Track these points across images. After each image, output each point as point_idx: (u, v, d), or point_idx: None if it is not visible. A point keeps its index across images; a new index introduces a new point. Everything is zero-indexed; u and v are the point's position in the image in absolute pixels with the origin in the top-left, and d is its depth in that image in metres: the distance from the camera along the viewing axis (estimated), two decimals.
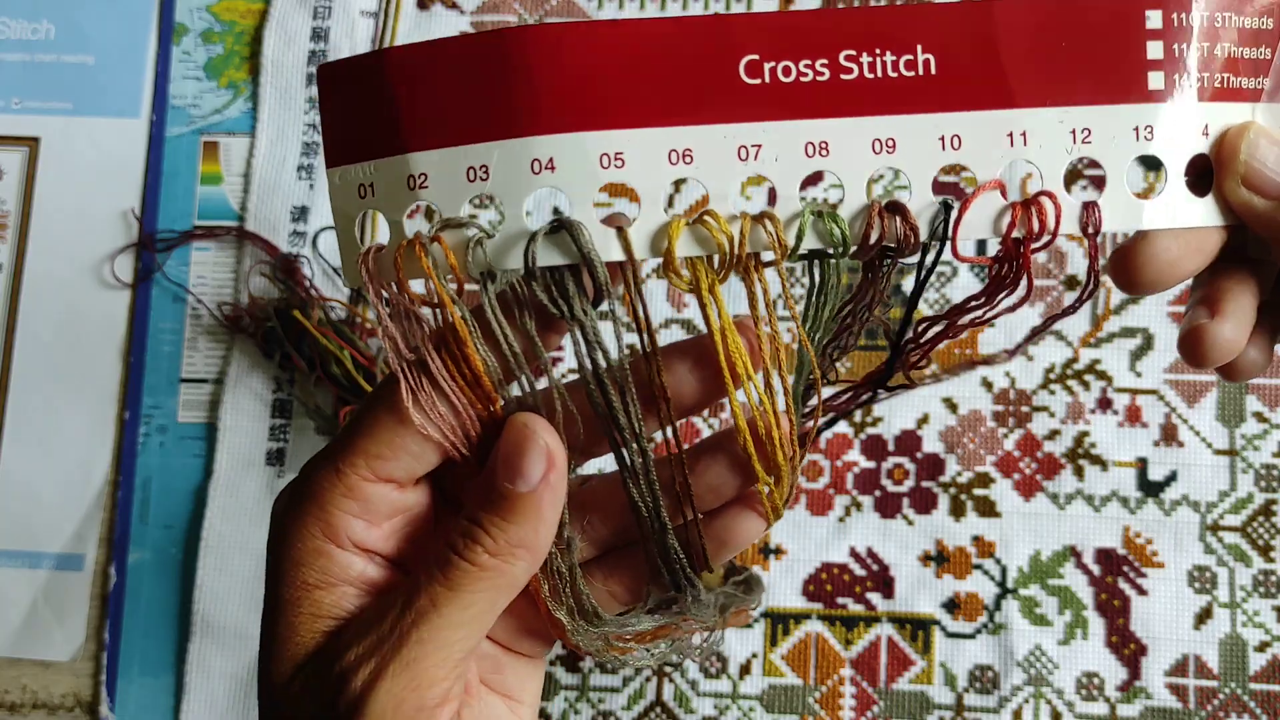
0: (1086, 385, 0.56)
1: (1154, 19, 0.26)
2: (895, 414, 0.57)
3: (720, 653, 0.55)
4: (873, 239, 0.26)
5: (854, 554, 0.56)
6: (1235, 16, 0.27)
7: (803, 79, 0.25)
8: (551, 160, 0.25)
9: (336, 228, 0.28)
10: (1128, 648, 0.54)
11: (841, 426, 0.57)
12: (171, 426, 0.60)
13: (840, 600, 0.55)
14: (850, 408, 0.33)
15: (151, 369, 0.61)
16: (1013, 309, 0.28)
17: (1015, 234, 0.27)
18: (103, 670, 0.58)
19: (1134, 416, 0.56)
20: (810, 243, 0.26)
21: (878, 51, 0.25)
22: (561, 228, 0.25)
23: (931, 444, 0.56)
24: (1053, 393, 0.56)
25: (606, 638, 0.30)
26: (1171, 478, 0.55)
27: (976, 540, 0.55)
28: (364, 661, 0.26)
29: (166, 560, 0.59)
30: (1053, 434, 0.56)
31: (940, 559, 0.55)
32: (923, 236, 0.26)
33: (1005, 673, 0.54)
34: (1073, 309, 0.29)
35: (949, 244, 0.26)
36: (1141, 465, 0.55)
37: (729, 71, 0.25)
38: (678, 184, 0.27)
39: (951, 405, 0.57)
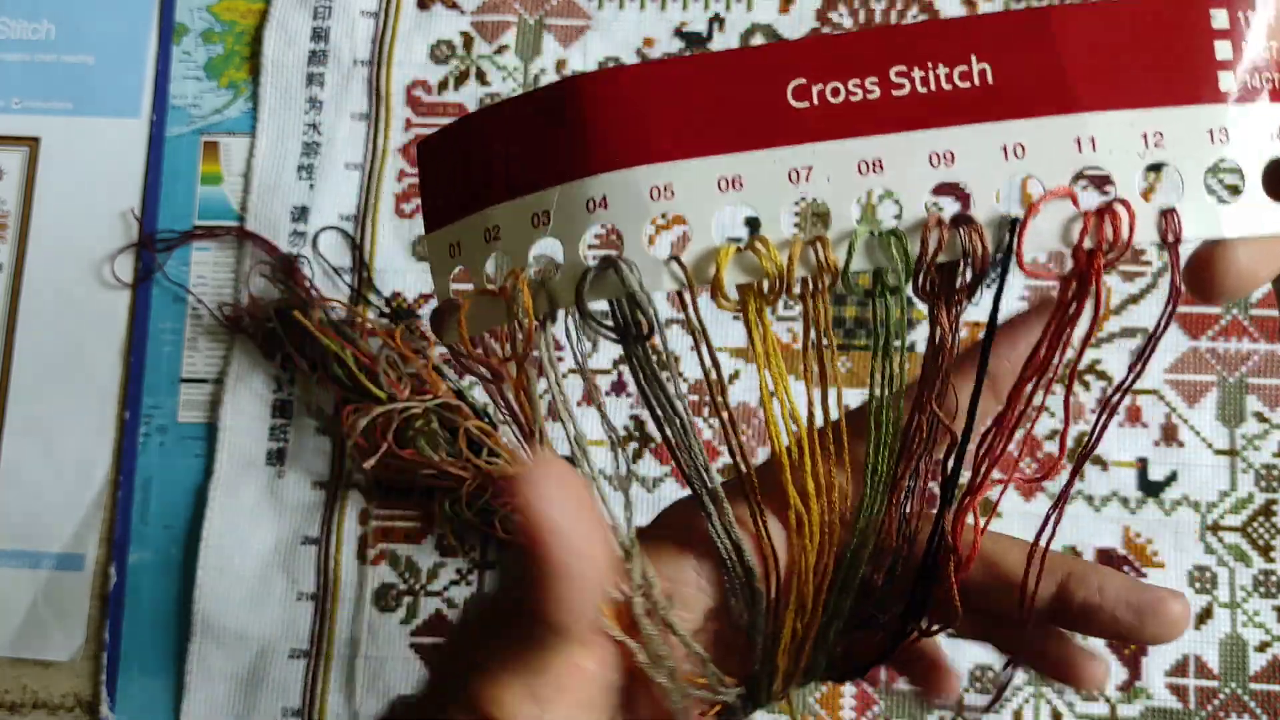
0: (1087, 385, 0.56)
1: (1220, 18, 0.25)
2: None
3: None
4: (930, 250, 0.25)
5: None
6: None
7: (852, 98, 0.25)
8: (605, 198, 0.25)
9: (434, 281, 0.29)
10: (1128, 648, 0.54)
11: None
12: (172, 426, 0.60)
13: None
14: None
15: (152, 369, 0.61)
16: (1086, 339, 0.28)
17: (1086, 245, 0.25)
18: (103, 670, 0.58)
19: (1134, 416, 0.56)
20: (864, 263, 0.26)
21: (929, 65, 0.25)
22: (609, 266, 0.26)
23: None
24: (1053, 393, 0.56)
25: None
26: (1172, 478, 0.55)
27: None
28: None
29: (167, 560, 0.59)
30: (1053, 434, 0.56)
31: None
32: (990, 245, 0.25)
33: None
34: (1159, 332, 0.28)
35: (1014, 257, 0.25)
36: (1142, 465, 0.55)
37: (776, 97, 0.25)
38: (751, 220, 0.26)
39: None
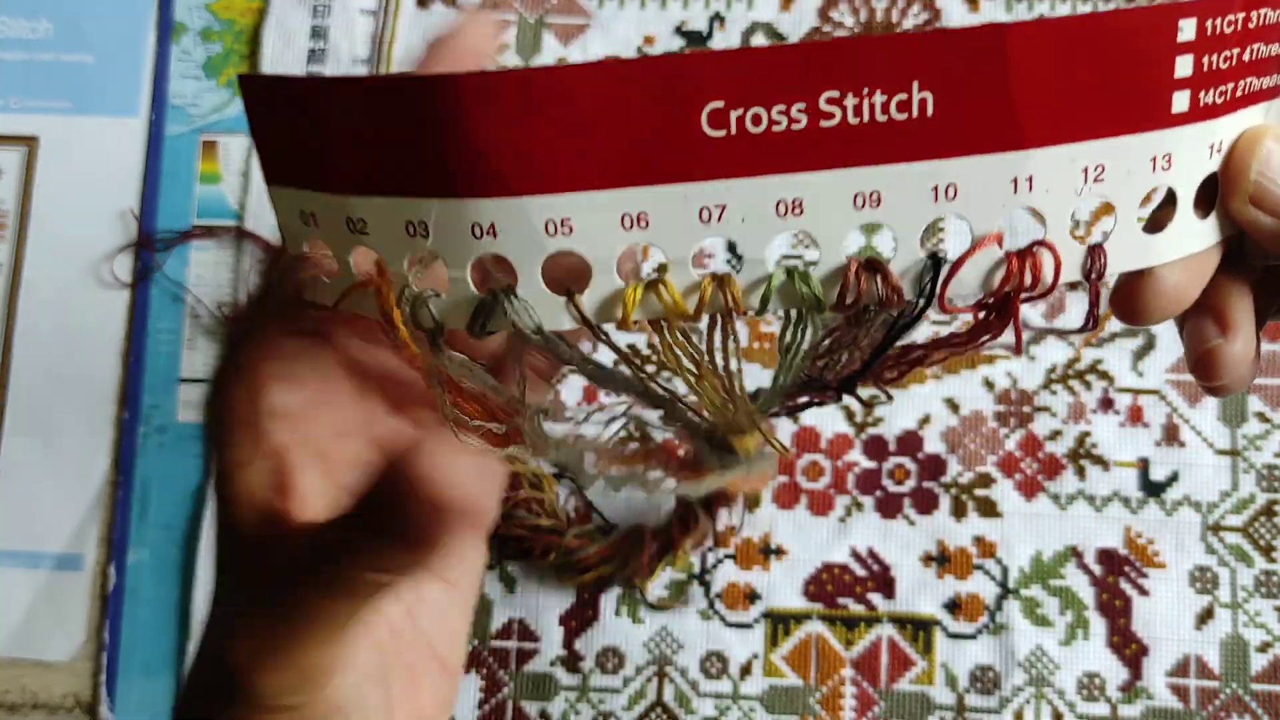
0: (1088, 385, 0.56)
1: (1187, 29, 0.23)
2: (896, 414, 0.57)
3: (720, 652, 0.55)
4: (849, 301, 0.24)
5: (855, 554, 0.56)
6: (1272, 11, 0.24)
7: (775, 127, 0.22)
8: (493, 226, 0.23)
9: (284, 239, 0.27)
10: (1129, 648, 0.54)
11: (842, 426, 0.57)
12: (171, 426, 0.60)
13: (841, 601, 0.55)
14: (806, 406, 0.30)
15: (150, 369, 0.61)
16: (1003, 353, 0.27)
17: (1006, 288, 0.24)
18: (102, 670, 0.58)
19: (1136, 416, 0.56)
20: (780, 306, 0.24)
21: (865, 91, 0.21)
22: (498, 303, 0.23)
23: (933, 444, 0.56)
24: (1054, 393, 0.56)
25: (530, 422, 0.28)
26: (1173, 478, 0.55)
27: (978, 541, 0.55)
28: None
29: (166, 560, 0.59)
30: (1054, 434, 0.56)
31: (941, 559, 0.55)
32: (908, 295, 0.24)
33: (1006, 673, 0.54)
34: (1075, 333, 0.28)
35: (935, 303, 0.24)
36: (1143, 465, 0.55)
37: (689, 123, 0.22)
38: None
39: (953, 406, 0.57)
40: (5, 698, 0.59)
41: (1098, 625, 0.54)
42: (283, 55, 0.63)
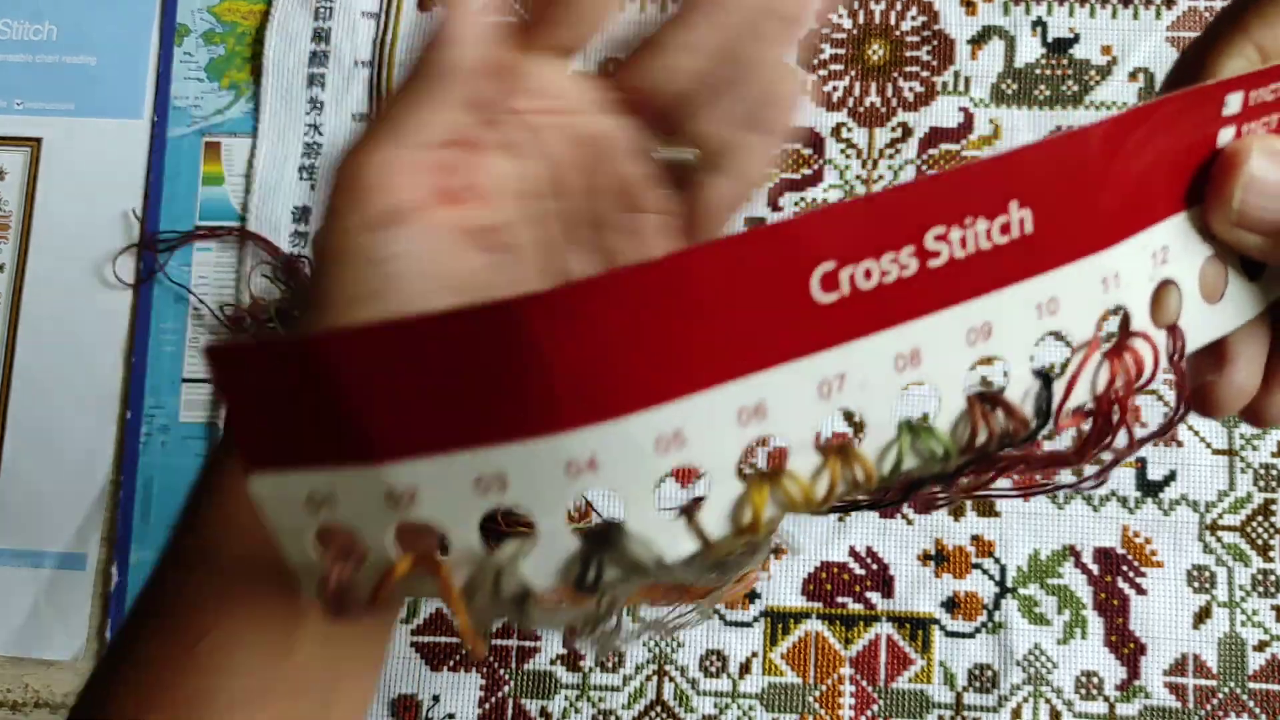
0: None
1: (1233, 103, 0.23)
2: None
3: (720, 651, 0.55)
4: (979, 442, 0.22)
5: (853, 553, 0.56)
6: None
7: (886, 279, 0.20)
8: (593, 459, 0.19)
9: (279, 540, 0.21)
10: (1126, 647, 0.54)
11: (841, 425, 0.57)
12: (173, 426, 0.60)
13: (840, 599, 0.55)
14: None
15: (153, 369, 0.61)
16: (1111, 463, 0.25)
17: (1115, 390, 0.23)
18: None
19: (1136, 417, 0.56)
20: (909, 464, 0.22)
21: (968, 221, 0.21)
22: (615, 543, 0.20)
23: None
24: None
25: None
26: (1170, 477, 0.55)
27: (976, 540, 0.55)
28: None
29: None
30: (1051, 433, 0.56)
31: (939, 558, 0.55)
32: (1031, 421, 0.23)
33: (1004, 672, 0.54)
34: (1163, 432, 0.27)
35: (1053, 422, 0.23)
36: (1140, 465, 0.56)
37: (800, 293, 0.20)
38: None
39: None
40: (8, 696, 0.59)
41: (1095, 624, 0.54)
42: (285, 57, 0.63)
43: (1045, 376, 0.23)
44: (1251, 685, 0.53)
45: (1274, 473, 0.55)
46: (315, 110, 0.63)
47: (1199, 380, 0.27)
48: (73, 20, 0.65)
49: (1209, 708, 0.53)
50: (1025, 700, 0.54)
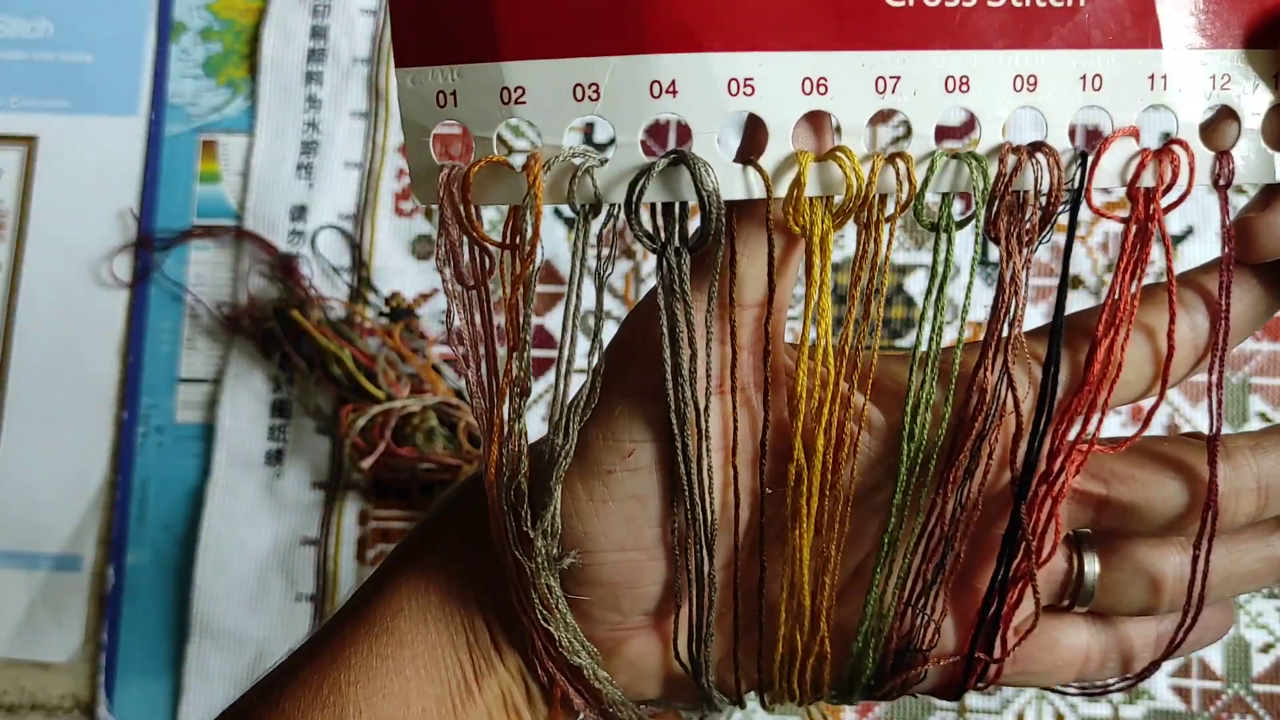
0: None
1: None
2: None
3: None
4: (1008, 172, 0.24)
5: None
6: None
7: (949, 2, 0.23)
8: (674, 83, 0.22)
9: (406, 138, 0.24)
10: None
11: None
12: (170, 427, 0.60)
13: None
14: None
15: (149, 369, 0.60)
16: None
17: (1144, 184, 0.24)
18: (101, 671, 0.58)
19: (1136, 416, 0.56)
20: (943, 185, 0.24)
21: None
22: (682, 162, 0.23)
23: None
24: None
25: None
26: None
27: None
28: None
29: (165, 561, 0.59)
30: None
31: None
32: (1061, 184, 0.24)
33: None
34: (1225, 285, 0.26)
35: (1084, 194, 0.24)
36: None
37: None
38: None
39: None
40: (4, 699, 0.59)
41: None
42: (283, 54, 0.63)
43: (1084, 153, 0.24)
44: (1256, 687, 0.53)
45: None
46: (313, 108, 0.62)
47: (1241, 216, 0.26)
48: (68, 17, 0.64)
49: (1214, 710, 0.53)
50: (1029, 703, 0.53)
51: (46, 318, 0.61)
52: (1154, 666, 0.30)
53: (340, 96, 0.62)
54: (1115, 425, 0.55)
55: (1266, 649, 0.53)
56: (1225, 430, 0.54)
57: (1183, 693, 0.53)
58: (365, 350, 0.57)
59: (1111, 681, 0.31)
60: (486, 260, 0.25)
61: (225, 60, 0.63)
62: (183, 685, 0.57)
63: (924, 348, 0.25)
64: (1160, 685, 0.53)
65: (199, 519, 0.58)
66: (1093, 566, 0.28)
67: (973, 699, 0.53)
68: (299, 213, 0.61)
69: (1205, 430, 0.27)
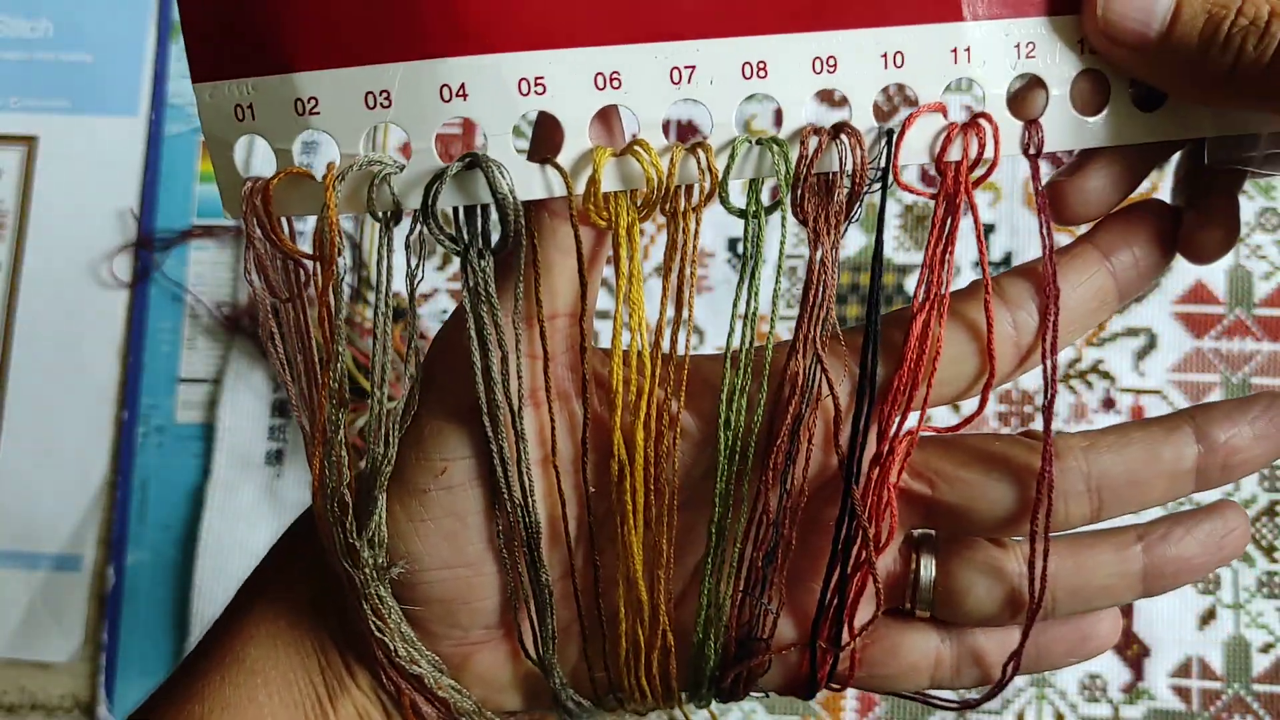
0: (1090, 385, 0.56)
1: None
2: None
3: None
4: (809, 155, 0.24)
5: None
6: None
7: None
8: (464, 87, 0.23)
9: (210, 152, 0.25)
10: (1131, 649, 0.54)
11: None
12: (170, 426, 0.60)
13: None
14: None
15: (150, 368, 0.60)
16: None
17: (951, 157, 0.24)
18: (101, 671, 0.58)
19: (1137, 417, 0.56)
20: (746, 172, 0.24)
21: None
22: (475, 165, 0.23)
23: None
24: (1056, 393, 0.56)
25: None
26: None
27: None
28: None
29: (164, 561, 0.59)
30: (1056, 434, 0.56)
31: None
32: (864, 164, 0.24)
33: None
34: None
35: (891, 169, 0.24)
36: None
37: None
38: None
39: (954, 406, 0.56)
40: (4, 699, 0.59)
41: None
42: None
43: (889, 131, 0.24)
44: (1256, 687, 0.53)
45: (1279, 474, 0.55)
46: None
47: (1055, 179, 0.27)
48: (69, 17, 0.64)
49: (1214, 710, 0.53)
50: (1029, 703, 0.53)
51: (47, 318, 0.61)
52: (1009, 676, 0.29)
53: None
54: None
55: (1266, 649, 0.53)
56: None
57: (1183, 693, 0.53)
58: (365, 350, 0.57)
59: (973, 698, 0.30)
60: (301, 273, 0.26)
61: None
62: None
63: (736, 340, 0.25)
64: (1160, 685, 0.53)
65: (199, 519, 0.58)
66: (929, 568, 0.28)
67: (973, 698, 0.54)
68: None
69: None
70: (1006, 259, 0.58)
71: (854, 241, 0.59)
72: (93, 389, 0.61)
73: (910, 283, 0.58)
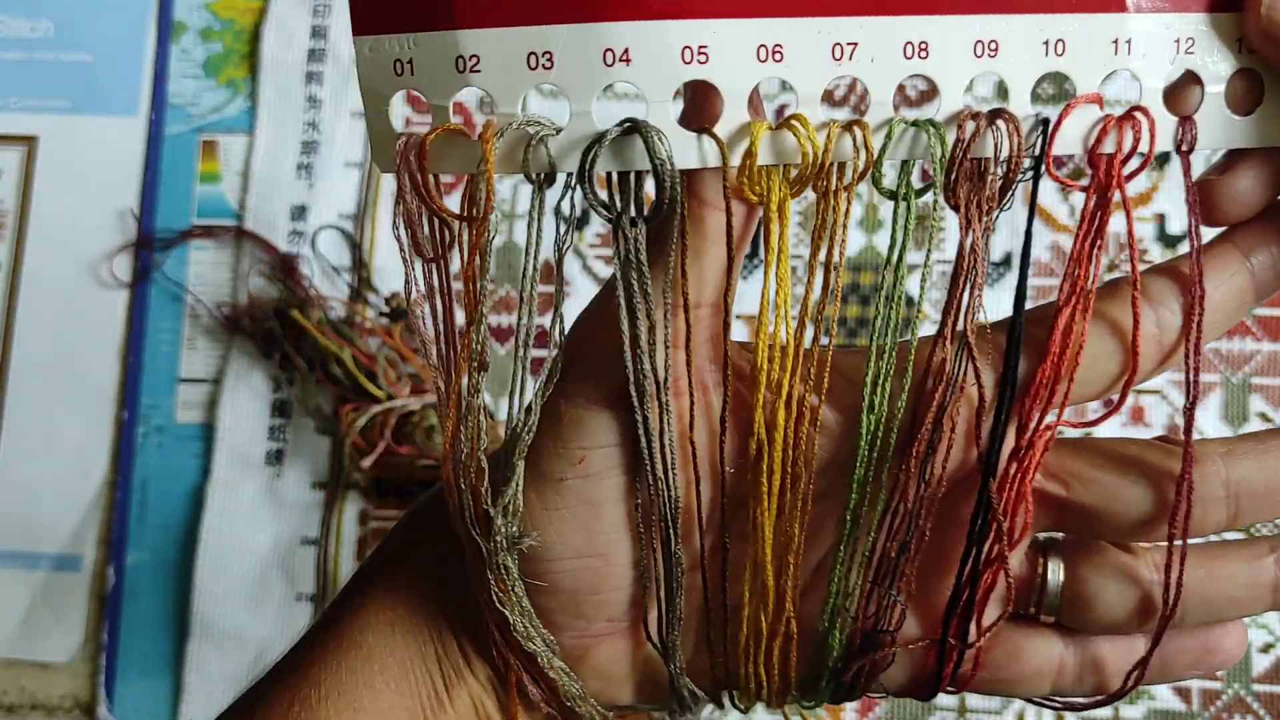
0: None
1: None
2: None
3: None
4: (966, 138, 0.23)
5: None
6: None
7: None
8: (627, 51, 0.22)
9: (365, 107, 0.24)
10: None
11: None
12: (170, 427, 0.60)
13: None
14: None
15: (150, 369, 0.60)
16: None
17: (1106, 150, 0.24)
18: (101, 671, 0.58)
19: (1137, 416, 0.56)
20: (900, 153, 0.24)
21: None
22: (635, 130, 0.23)
23: None
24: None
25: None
26: None
27: None
28: None
29: (164, 561, 0.59)
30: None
31: None
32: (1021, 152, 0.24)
33: None
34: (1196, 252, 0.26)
35: (1045, 159, 0.24)
36: None
37: None
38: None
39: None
40: (4, 699, 0.59)
41: None
42: (283, 55, 0.63)
43: (1045, 120, 0.24)
44: (1256, 687, 0.53)
45: None
46: (313, 108, 0.62)
47: (1205, 176, 0.26)
48: (69, 17, 0.64)
49: (1214, 709, 0.53)
50: (1029, 703, 0.53)
51: (46, 318, 0.61)
52: (1131, 686, 0.28)
53: (340, 96, 0.62)
54: (1112, 427, 0.55)
55: (1266, 649, 0.53)
56: (1225, 431, 0.53)
57: (1183, 693, 0.53)
58: (365, 350, 0.57)
59: (1080, 700, 0.29)
60: (447, 234, 0.25)
61: (225, 60, 0.63)
62: (183, 685, 0.57)
63: (882, 320, 0.25)
64: (1160, 685, 0.53)
65: (199, 519, 0.58)
66: (1057, 572, 0.28)
67: (972, 699, 0.53)
68: (299, 213, 0.61)
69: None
70: (1006, 259, 0.58)
71: (854, 242, 0.59)
72: (93, 389, 0.61)
73: (913, 284, 0.58)
